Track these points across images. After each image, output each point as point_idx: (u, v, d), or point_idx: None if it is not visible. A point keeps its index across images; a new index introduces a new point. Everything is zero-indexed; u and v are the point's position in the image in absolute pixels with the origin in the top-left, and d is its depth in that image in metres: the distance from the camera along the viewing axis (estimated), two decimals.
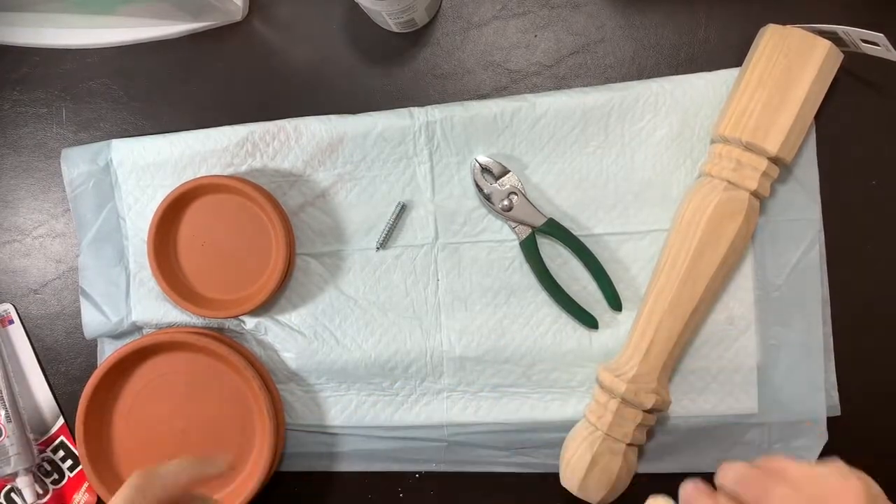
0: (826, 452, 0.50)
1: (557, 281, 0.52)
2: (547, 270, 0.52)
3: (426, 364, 0.54)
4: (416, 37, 0.56)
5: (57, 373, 0.60)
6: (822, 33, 0.47)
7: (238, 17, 0.57)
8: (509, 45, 0.55)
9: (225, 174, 0.55)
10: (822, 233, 0.51)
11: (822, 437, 0.50)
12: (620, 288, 0.52)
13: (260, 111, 0.56)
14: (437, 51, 0.55)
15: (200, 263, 0.55)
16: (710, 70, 0.51)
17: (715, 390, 0.51)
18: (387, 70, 0.56)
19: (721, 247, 0.48)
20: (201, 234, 0.54)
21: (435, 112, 0.53)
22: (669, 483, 0.40)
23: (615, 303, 0.52)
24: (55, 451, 0.59)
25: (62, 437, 0.59)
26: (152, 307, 0.56)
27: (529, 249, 0.52)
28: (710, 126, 0.51)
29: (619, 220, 0.52)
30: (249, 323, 0.56)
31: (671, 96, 0.51)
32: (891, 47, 0.45)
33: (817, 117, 0.49)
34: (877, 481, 0.37)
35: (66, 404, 0.59)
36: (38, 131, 0.60)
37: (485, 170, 0.52)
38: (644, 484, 0.50)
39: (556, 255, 0.53)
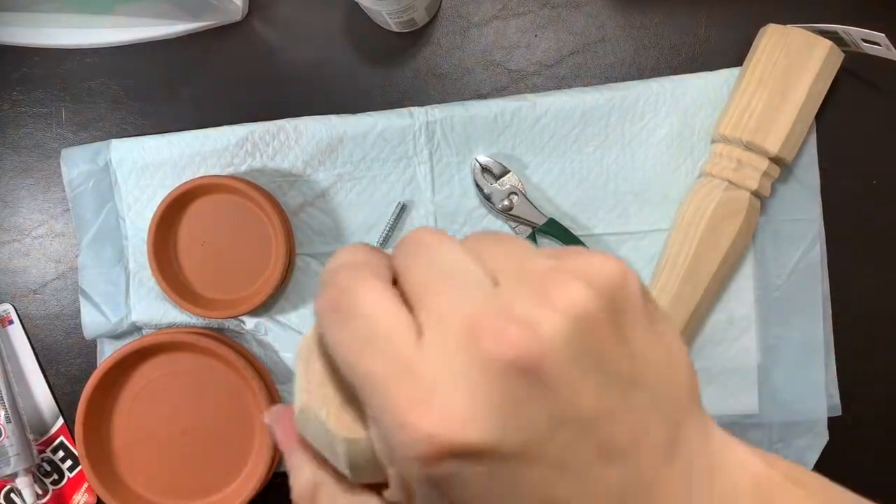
0: (826, 452, 0.50)
1: None
2: None
3: None
4: (416, 37, 0.56)
5: (57, 373, 0.60)
6: (823, 33, 0.47)
7: (238, 16, 0.57)
8: (509, 44, 0.55)
9: (225, 174, 0.55)
10: (823, 232, 0.51)
11: (822, 437, 0.50)
12: None
13: (260, 111, 0.56)
14: (437, 51, 0.55)
15: (200, 263, 0.54)
16: (710, 70, 0.51)
17: (715, 390, 0.51)
18: (387, 70, 0.56)
19: (721, 247, 0.48)
20: (201, 234, 0.54)
21: (435, 112, 0.53)
22: None
23: None
24: (55, 451, 0.59)
25: (62, 438, 0.59)
26: (152, 307, 0.56)
27: None
28: (710, 126, 0.51)
29: (620, 220, 0.52)
30: (249, 323, 0.56)
31: (671, 96, 0.51)
32: (892, 47, 0.45)
33: (818, 117, 0.49)
34: (878, 481, 0.36)
35: (65, 405, 0.59)
36: (38, 131, 0.60)
37: (485, 170, 0.52)
38: None
39: None
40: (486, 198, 0.52)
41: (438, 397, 0.18)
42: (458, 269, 0.20)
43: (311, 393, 0.22)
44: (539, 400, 0.18)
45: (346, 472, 0.21)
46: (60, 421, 0.59)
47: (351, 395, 0.21)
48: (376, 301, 0.20)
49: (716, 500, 0.21)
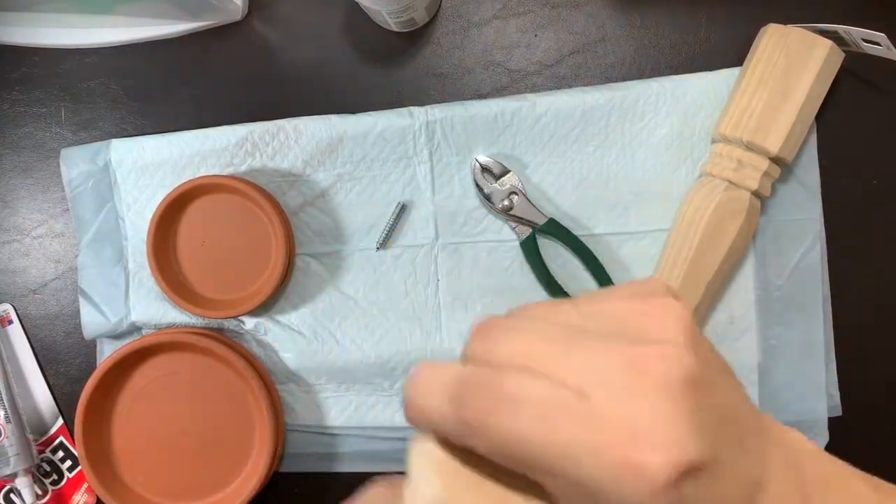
0: (827, 452, 0.50)
1: (558, 281, 0.52)
2: (547, 270, 0.52)
3: None
4: (416, 36, 0.56)
5: (56, 373, 0.60)
6: (823, 33, 0.47)
7: (238, 16, 0.57)
8: (509, 44, 0.55)
9: (225, 174, 0.55)
10: (824, 232, 0.51)
11: (822, 437, 0.50)
12: None
13: (260, 111, 0.56)
14: (437, 50, 0.55)
15: (200, 263, 0.54)
16: (710, 70, 0.51)
17: None
18: (387, 70, 0.56)
19: (722, 247, 0.48)
20: (201, 234, 0.54)
21: (435, 112, 0.53)
22: None
23: None
24: (54, 451, 0.59)
25: (61, 438, 0.59)
26: (152, 307, 0.56)
27: (530, 249, 0.52)
28: (710, 126, 0.51)
29: (620, 220, 0.52)
30: (249, 323, 0.56)
31: (671, 96, 0.51)
32: (892, 47, 0.45)
33: (818, 117, 0.49)
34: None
35: (65, 405, 0.59)
36: (38, 131, 0.60)
37: (485, 169, 0.52)
38: None
39: (556, 255, 0.53)
40: (486, 198, 0.52)
41: (646, 433, 0.19)
42: (568, 330, 0.21)
43: None
44: (707, 407, 0.20)
45: None
46: (60, 421, 0.59)
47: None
48: (533, 383, 0.20)
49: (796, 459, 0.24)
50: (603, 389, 0.19)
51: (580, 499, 0.20)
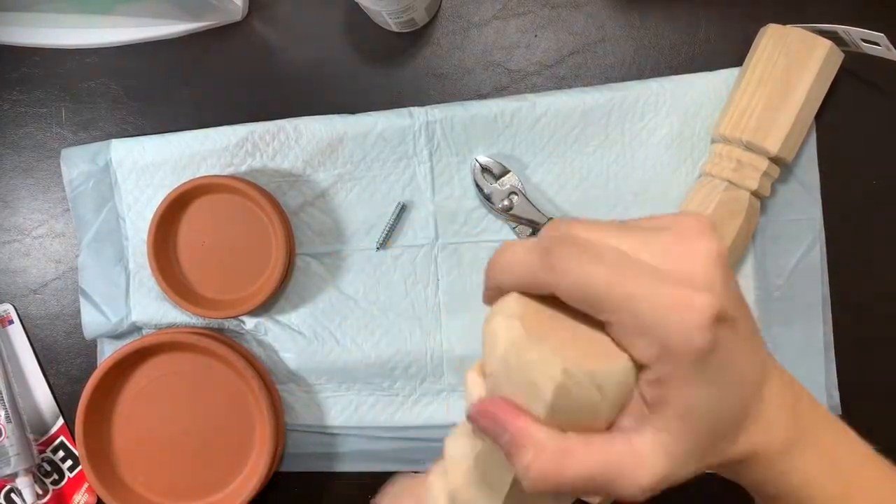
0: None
1: None
2: None
3: (426, 364, 0.54)
4: (416, 37, 0.56)
5: (57, 373, 0.60)
6: (823, 33, 0.47)
7: (238, 16, 0.57)
8: (509, 44, 0.55)
9: (225, 174, 0.55)
10: (823, 233, 0.51)
11: None
12: None
13: (260, 111, 0.56)
14: (437, 51, 0.55)
15: (200, 263, 0.54)
16: (710, 70, 0.51)
17: None
18: (387, 70, 0.56)
19: None
20: (201, 234, 0.54)
21: (435, 112, 0.53)
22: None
23: None
24: (55, 451, 0.59)
25: (62, 438, 0.59)
26: (152, 307, 0.56)
27: None
28: (710, 126, 0.51)
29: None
30: (249, 323, 0.56)
31: (671, 96, 0.51)
32: (891, 47, 0.45)
33: (818, 117, 0.49)
34: None
35: (65, 404, 0.59)
36: (38, 131, 0.60)
37: (485, 170, 0.52)
38: None
39: None
40: (486, 198, 0.52)
41: (694, 282, 0.25)
42: (632, 226, 0.27)
43: (568, 361, 0.25)
44: (731, 282, 0.26)
45: (614, 399, 0.26)
46: (60, 421, 0.59)
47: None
48: (608, 246, 0.26)
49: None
50: (659, 256, 0.25)
51: (635, 333, 0.25)
